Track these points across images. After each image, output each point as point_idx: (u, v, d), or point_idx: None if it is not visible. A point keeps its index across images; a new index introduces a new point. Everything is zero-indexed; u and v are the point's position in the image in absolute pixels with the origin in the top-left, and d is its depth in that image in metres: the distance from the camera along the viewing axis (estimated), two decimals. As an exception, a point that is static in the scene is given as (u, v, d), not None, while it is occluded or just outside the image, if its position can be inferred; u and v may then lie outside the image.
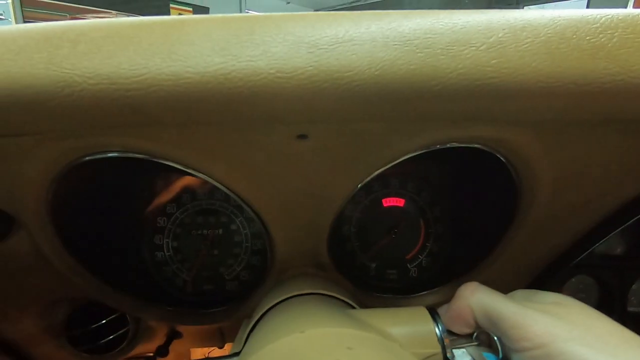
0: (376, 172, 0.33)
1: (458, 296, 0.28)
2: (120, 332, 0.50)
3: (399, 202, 0.53)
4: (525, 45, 0.23)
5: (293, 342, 0.21)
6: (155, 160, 0.30)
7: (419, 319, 0.28)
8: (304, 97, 0.23)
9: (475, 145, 0.32)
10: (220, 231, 0.52)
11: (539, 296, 0.26)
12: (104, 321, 0.50)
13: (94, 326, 0.49)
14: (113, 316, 0.50)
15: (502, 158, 0.33)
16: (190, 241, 0.52)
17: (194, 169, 0.31)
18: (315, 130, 0.28)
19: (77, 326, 0.49)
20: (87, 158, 0.29)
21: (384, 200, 0.53)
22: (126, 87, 0.21)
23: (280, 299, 0.34)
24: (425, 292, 0.47)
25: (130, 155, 0.30)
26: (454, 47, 0.22)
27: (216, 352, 0.72)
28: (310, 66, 0.22)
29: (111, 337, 0.50)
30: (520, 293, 0.28)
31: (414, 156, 0.33)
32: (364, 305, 0.43)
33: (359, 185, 0.34)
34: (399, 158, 0.32)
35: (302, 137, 0.28)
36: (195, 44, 0.22)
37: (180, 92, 0.22)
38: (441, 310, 0.30)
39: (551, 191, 0.34)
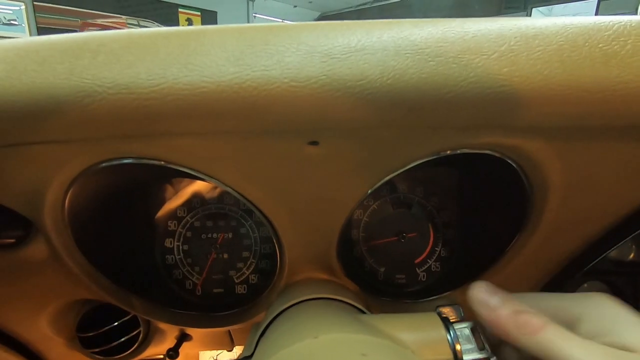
0: (386, 178, 0.33)
1: (519, 325, 0.22)
2: (132, 334, 0.51)
3: (408, 206, 0.53)
4: (537, 54, 0.23)
5: (307, 347, 0.22)
6: (169, 166, 0.31)
7: (430, 325, 0.28)
8: (317, 105, 0.23)
9: (486, 152, 0.32)
10: (230, 235, 0.53)
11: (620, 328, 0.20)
12: (115, 323, 0.50)
13: (105, 328, 0.50)
14: (124, 319, 0.50)
15: (512, 164, 0.33)
16: (200, 245, 0.53)
17: (206, 175, 0.32)
18: (326, 137, 0.28)
19: (90, 328, 0.50)
20: (103, 164, 0.30)
21: (393, 205, 0.53)
22: (144, 96, 0.22)
23: (290, 304, 0.34)
24: (435, 297, 0.47)
25: (145, 161, 0.31)
26: (465, 56, 0.23)
27: (225, 355, 0.72)
28: (324, 75, 0.22)
29: (122, 339, 0.51)
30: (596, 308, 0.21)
31: (424, 163, 0.33)
32: (373, 309, 0.44)
33: (369, 191, 0.34)
34: (409, 164, 0.32)
35: (313, 143, 0.28)
36: (211, 54, 0.23)
37: (197, 102, 0.22)
38: (478, 293, 0.26)
39: (563, 197, 0.34)
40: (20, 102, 0.22)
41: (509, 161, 0.33)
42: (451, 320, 0.29)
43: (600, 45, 0.23)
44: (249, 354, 0.30)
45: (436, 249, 0.53)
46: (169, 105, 0.22)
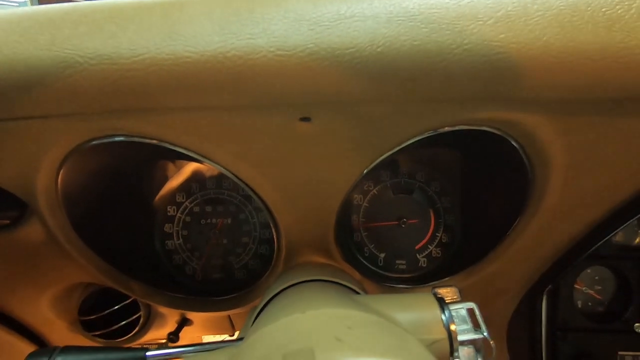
0: (382, 157, 0.32)
1: None
2: (133, 318, 0.51)
3: (408, 191, 0.52)
4: (536, 19, 0.22)
5: (293, 322, 0.21)
6: (161, 145, 0.31)
7: (425, 305, 0.28)
8: (305, 75, 0.22)
9: (484, 128, 0.31)
10: (229, 220, 0.53)
11: None
12: (116, 307, 0.51)
13: (106, 312, 0.50)
14: (125, 302, 0.51)
15: (513, 142, 0.32)
16: (199, 230, 0.53)
17: (199, 155, 0.32)
18: (318, 113, 0.27)
19: (91, 311, 0.50)
20: (94, 142, 0.30)
21: (393, 190, 0.52)
22: (126, 67, 0.21)
23: (285, 286, 0.34)
24: (435, 282, 0.46)
25: (136, 139, 0.30)
26: (460, 22, 0.22)
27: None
28: (311, 43, 0.21)
29: (123, 322, 0.51)
30: None
31: (423, 144, 0.32)
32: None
33: (365, 171, 0.34)
34: (405, 141, 0.31)
35: (305, 119, 0.28)
36: (195, 24, 0.22)
37: (180, 72, 0.22)
38: None
39: (565, 177, 0.33)
40: (1, 74, 0.21)
41: (510, 139, 0.32)
42: (447, 301, 0.29)
43: (604, 9, 0.22)
44: (244, 335, 0.29)
45: (437, 234, 0.52)
46: (151, 76, 0.22)
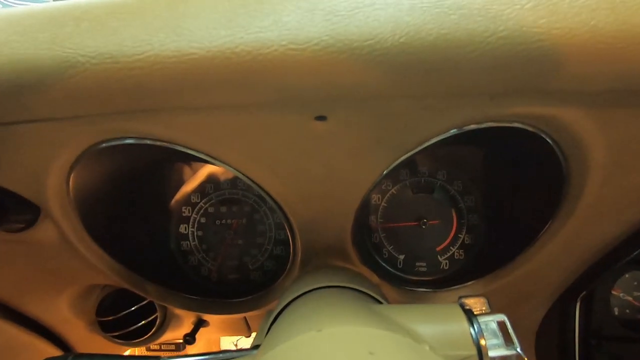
0: (403, 157, 0.30)
1: None
2: (149, 319, 0.51)
3: (428, 190, 0.50)
4: (582, 0, 0.19)
5: (308, 342, 0.20)
6: (171, 147, 0.29)
7: (452, 317, 0.25)
8: (320, 70, 0.20)
9: (516, 125, 0.28)
10: (244, 221, 0.52)
11: None
12: (133, 308, 0.51)
13: (123, 313, 0.50)
14: (141, 304, 0.51)
15: (547, 139, 0.30)
16: (214, 231, 0.52)
17: (209, 156, 0.30)
18: (334, 110, 0.25)
19: (109, 312, 0.51)
20: (103, 145, 0.29)
21: (413, 189, 0.50)
22: (129, 65, 0.20)
23: (301, 292, 0.33)
24: (458, 286, 0.44)
25: (147, 142, 0.29)
26: (494, 7, 0.19)
27: (244, 340, 0.73)
28: (326, 35, 0.20)
29: (140, 324, 0.51)
30: None
31: (446, 139, 0.29)
32: (391, 299, 0.41)
33: (385, 172, 0.32)
34: (428, 141, 0.29)
35: (321, 118, 0.26)
36: (201, 17, 0.20)
37: (185, 70, 0.20)
38: None
39: (604, 176, 0.30)
40: (1, 76, 0.21)
41: (543, 136, 0.29)
42: (475, 313, 0.27)
43: None
44: (260, 342, 0.28)
45: (459, 235, 0.50)
46: (155, 74, 0.20)
